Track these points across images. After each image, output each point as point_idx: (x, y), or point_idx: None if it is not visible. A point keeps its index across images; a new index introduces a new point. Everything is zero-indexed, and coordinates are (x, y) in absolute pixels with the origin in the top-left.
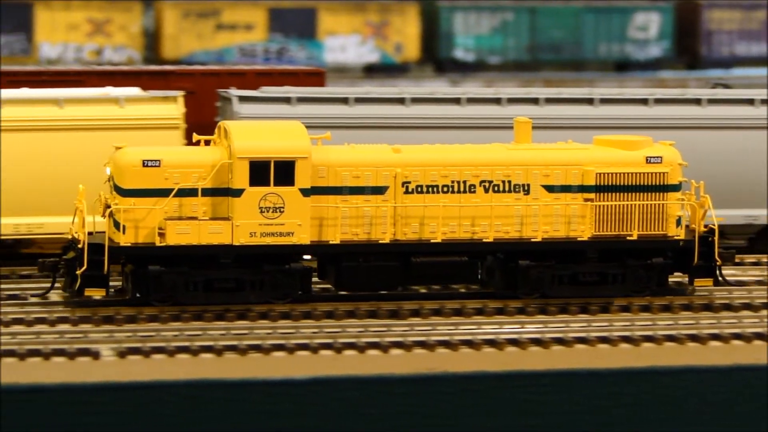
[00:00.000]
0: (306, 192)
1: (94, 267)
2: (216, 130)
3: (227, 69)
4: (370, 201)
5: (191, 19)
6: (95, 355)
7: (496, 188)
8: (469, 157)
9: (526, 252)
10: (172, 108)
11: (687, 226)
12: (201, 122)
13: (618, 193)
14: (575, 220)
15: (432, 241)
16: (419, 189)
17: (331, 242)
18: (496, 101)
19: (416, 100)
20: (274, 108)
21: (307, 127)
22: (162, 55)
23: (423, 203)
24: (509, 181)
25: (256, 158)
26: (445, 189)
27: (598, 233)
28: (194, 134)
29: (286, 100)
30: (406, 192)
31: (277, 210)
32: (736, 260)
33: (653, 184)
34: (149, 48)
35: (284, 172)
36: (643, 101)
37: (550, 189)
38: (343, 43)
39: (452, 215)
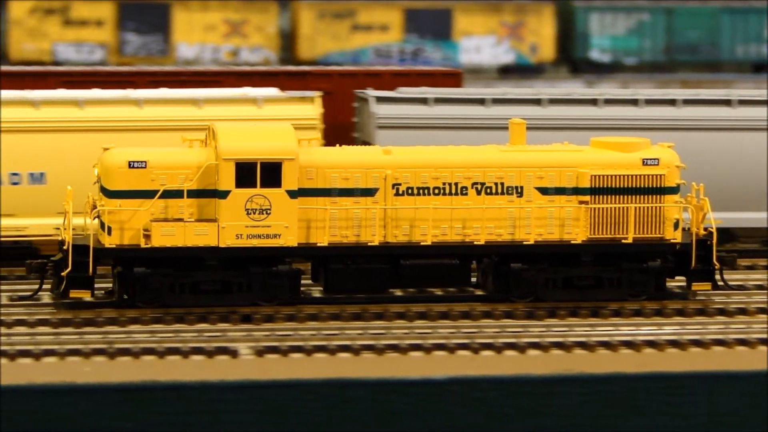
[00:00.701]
0: (293, 194)
1: (80, 268)
2: (206, 132)
3: (364, 70)
4: (359, 203)
5: (327, 19)
6: (233, 353)
7: (488, 190)
8: (461, 158)
9: (518, 255)
10: (310, 108)
11: (687, 230)
12: (338, 123)
13: (613, 196)
14: (569, 223)
15: (422, 243)
16: (410, 191)
17: (318, 244)
18: (633, 102)
19: (553, 101)
20: (411, 109)
21: (444, 128)
22: (298, 55)
23: (413, 205)
24: (502, 183)
25: (242, 159)
26: (436, 191)
27: (592, 236)
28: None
29: (423, 101)
30: (397, 194)
31: (264, 212)
32: (748, 263)
33: (650, 186)
34: (285, 49)
35: (271, 173)
36: None
37: (543, 191)
38: (478, 43)
39: (443, 217)
